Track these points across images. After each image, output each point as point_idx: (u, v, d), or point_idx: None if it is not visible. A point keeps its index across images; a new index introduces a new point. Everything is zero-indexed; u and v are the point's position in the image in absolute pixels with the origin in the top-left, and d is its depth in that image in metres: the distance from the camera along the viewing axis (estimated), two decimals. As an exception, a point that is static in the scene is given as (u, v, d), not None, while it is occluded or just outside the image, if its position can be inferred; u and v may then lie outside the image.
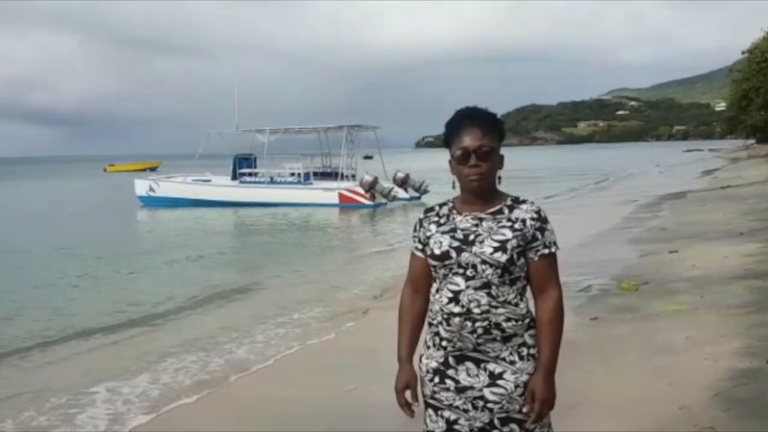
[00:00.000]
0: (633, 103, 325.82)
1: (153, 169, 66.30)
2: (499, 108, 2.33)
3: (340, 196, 24.67)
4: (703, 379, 4.22)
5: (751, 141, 56.19)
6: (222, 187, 26.80)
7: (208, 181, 27.66)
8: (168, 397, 5.23)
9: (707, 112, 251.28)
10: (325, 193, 25.02)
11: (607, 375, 4.61)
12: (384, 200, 24.80)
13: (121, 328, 8.02)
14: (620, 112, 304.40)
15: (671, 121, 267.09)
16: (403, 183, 26.58)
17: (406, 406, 2.23)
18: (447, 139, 2.22)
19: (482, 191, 2.17)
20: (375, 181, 24.75)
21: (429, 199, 23.00)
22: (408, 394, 2.23)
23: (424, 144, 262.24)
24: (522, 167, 45.20)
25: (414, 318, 2.30)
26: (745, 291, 6.41)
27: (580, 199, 23.79)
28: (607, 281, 7.79)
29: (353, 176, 26.43)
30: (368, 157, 30.12)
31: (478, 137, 2.14)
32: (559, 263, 2.18)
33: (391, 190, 25.18)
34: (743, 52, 46.80)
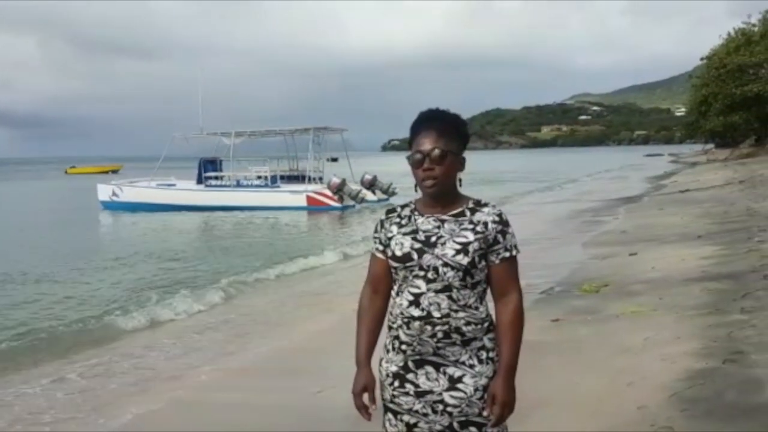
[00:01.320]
0: (595, 107, 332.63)
1: (115, 172, 65.25)
2: (464, 112, 2.30)
3: (308, 198, 24.50)
4: (661, 380, 4.29)
5: (710, 145, 57.57)
6: (187, 191, 26.41)
7: (173, 185, 27.24)
8: (127, 401, 5.14)
9: (667, 117, 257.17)
10: (293, 195, 24.82)
11: (567, 376, 4.66)
12: (352, 202, 24.71)
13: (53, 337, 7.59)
14: (583, 117, 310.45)
15: (632, 126, 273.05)
16: (371, 185, 26.55)
17: (364, 409, 2.21)
18: (410, 142, 2.20)
19: (438, 195, 2.16)
20: (343, 183, 24.65)
21: (397, 201, 22.87)
22: (366, 397, 2.21)
23: (389, 147, 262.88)
24: (485, 170, 45.56)
25: (373, 320, 2.28)
26: (702, 293, 6.54)
27: (539, 202, 24.01)
28: (568, 283, 7.88)
29: (320, 179, 26.33)
30: (333, 160, 30.01)
31: (433, 140, 2.12)
32: (520, 265, 2.20)
33: (359, 192, 25.12)
34: (702, 59, 47.78)
